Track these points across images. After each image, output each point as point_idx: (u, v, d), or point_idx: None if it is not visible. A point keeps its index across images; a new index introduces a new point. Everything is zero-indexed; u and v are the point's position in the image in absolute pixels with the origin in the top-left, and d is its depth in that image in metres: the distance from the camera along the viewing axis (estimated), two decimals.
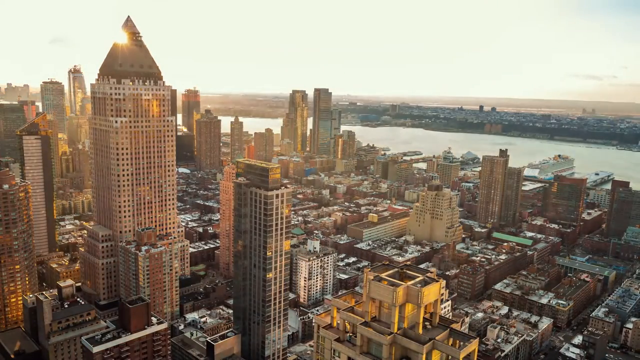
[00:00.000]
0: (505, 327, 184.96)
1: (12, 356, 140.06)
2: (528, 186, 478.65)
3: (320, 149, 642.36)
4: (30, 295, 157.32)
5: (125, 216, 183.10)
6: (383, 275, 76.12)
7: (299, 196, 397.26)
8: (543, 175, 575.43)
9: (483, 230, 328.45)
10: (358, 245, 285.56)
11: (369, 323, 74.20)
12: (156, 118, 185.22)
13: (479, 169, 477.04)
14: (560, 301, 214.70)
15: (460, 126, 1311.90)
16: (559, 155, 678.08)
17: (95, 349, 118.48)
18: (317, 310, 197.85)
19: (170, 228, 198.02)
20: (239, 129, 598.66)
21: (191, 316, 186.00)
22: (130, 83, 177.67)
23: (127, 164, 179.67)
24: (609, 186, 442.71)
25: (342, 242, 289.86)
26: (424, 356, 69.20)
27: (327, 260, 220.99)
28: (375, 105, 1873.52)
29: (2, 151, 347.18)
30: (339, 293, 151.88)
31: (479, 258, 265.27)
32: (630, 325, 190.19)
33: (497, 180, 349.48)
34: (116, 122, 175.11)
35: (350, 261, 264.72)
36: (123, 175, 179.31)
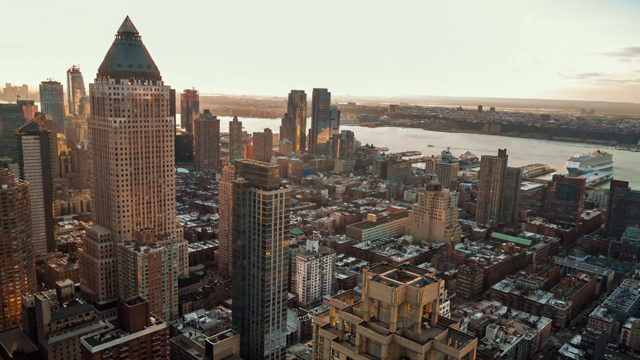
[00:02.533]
0: (504, 327, 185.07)
1: (11, 356, 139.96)
2: (527, 186, 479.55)
3: (319, 149, 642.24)
4: (29, 295, 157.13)
5: (124, 216, 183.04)
6: (382, 275, 76.16)
7: (298, 196, 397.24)
8: (583, 168, 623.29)
9: (482, 230, 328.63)
10: (357, 245, 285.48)
11: (367, 323, 74.22)
12: (155, 118, 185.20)
13: (478, 169, 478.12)
14: (559, 301, 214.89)
15: (459, 126, 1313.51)
16: (598, 151, 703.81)
17: (94, 349, 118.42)
18: (316, 310, 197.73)
19: (169, 228, 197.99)
20: (238, 129, 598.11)
21: (190, 316, 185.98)
22: (129, 83, 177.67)
23: (126, 164, 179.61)
24: (607, 186, 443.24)
25: (341, 242, 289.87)
26: (422, 356, 69.23)
27: (326, 260, 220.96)
28: (374, 105, 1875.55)
29: (1, 151, 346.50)
30: (338, 293, 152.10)
31: (477, 258, 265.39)
32: (629, 325, 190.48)
33: (496, 180, 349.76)
34: (115, 122, 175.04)
35: (349, 261, 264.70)
36: (122, 175, 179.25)
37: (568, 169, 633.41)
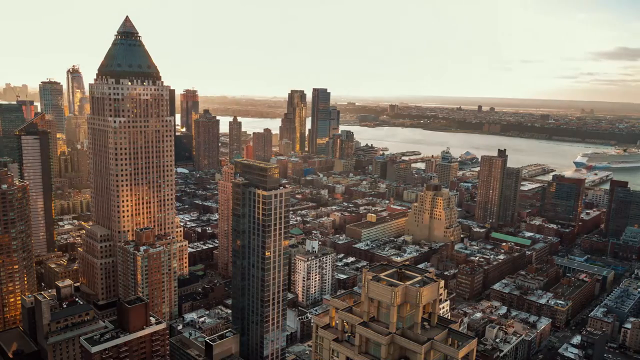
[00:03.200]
0: (503, 327, 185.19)
1: (11, 356, 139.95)
2: (527, 186, 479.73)
3: (319, 149, 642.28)
4: (29, 295, 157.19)
5: (123, 216, 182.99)
6: (381, 275, 76.19)
7: (298, 196, 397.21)
8: (594, 163, 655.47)
9: (481, 230, 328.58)
10: (356, 245, 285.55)
11: (367, 323, 74.23)
12: (155, 118, 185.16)
13: (478, 169, 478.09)
14: (558, 301, 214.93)
15: (459, 126, 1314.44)
16: (625, 150, 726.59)
17: (94, 349, 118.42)
18: (316, 310, 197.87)
19: (168, 228, 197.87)
20: (238, 129, 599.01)
21: (190, 316, 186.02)
22: (129, 83, 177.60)
23: (126, 164, 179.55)
24: (607, 186, 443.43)
25: (340, 242, 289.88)
26: (422, 356, 69.23)
27: (326, 260, 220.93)
28: (373, 105, 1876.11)
29: (1, 151, 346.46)
30: (338, 293, 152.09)
31: (477, 258, 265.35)
32: (629, 325, 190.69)
33: (496, 180, 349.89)
34: (115, 122, 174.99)
35: (349, 261, 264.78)
36: (121, 175, 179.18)
37: (575, 162, 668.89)
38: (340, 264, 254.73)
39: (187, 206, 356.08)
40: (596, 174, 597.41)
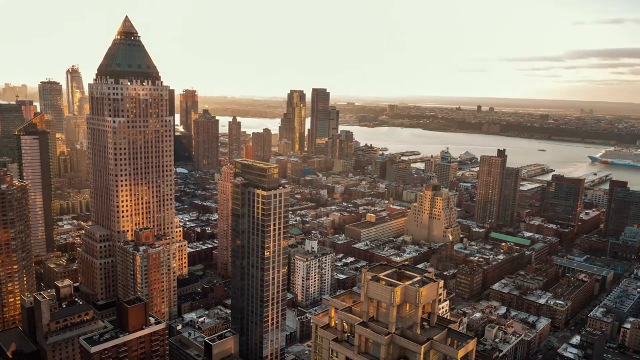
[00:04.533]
0: (503, 327, 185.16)
1: (10, 356, 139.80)
2: (526, 186, 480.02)
3: (318, 149, 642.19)
4: (28, 295, 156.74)
5: (123, 216, 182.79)
6: (381, 275, 76.26)
7: (297, 196, 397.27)
8: (611, 159, 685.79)
9: (481, 230, 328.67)
10: (356, 245, 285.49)
11: (366, 323, 74.29)
12: (154, 118, 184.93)
13: (477, 169, 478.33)
14: (558, 301, 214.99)
15: (458, 126, 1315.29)
16: None
17: (94, 349, 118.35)
18: (315, 310, 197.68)
19: (168, 228, 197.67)
20: (237, 128, 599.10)
21: (189, 316, 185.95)
22: (128, 83, 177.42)
23: (125, 164, 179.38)
24: (606, 186, 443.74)
25: (340, 242, 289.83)
26: (421, 356, 69.32)
27: (325, 260, 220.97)
28: (373, 105, 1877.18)
29: (0, 151, 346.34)
30: (337, 293, 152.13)
31: (477, 258, 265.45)
32: (628, 325, 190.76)
33: (495, 180, 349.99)
34: (114, 122, 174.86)
35: (348, 261, 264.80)
36: (121, 175, 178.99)
37: (589, 157, 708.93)
38: (339, 264, 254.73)
39: (186, 206, 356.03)
40: (595, 174, 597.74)
